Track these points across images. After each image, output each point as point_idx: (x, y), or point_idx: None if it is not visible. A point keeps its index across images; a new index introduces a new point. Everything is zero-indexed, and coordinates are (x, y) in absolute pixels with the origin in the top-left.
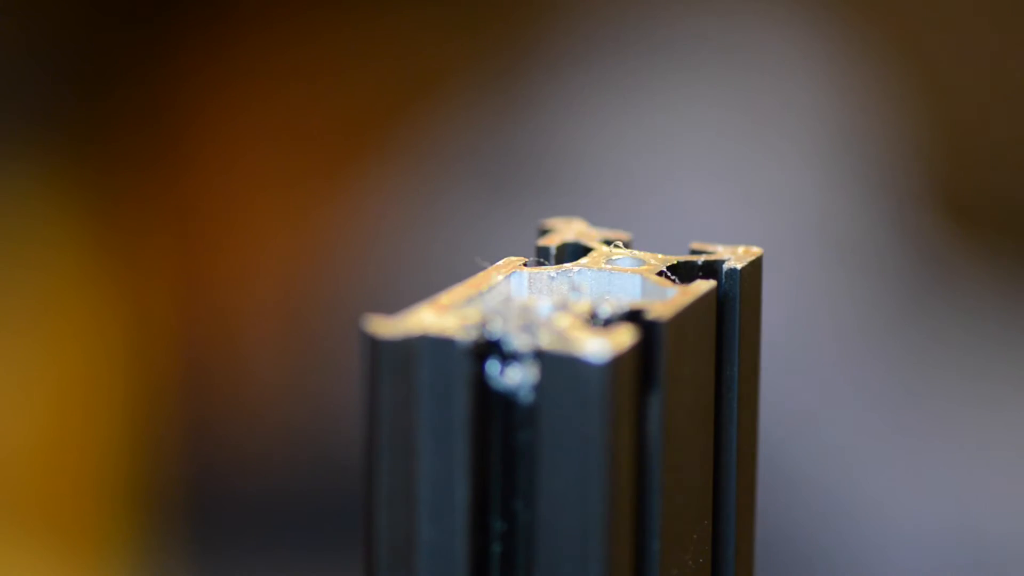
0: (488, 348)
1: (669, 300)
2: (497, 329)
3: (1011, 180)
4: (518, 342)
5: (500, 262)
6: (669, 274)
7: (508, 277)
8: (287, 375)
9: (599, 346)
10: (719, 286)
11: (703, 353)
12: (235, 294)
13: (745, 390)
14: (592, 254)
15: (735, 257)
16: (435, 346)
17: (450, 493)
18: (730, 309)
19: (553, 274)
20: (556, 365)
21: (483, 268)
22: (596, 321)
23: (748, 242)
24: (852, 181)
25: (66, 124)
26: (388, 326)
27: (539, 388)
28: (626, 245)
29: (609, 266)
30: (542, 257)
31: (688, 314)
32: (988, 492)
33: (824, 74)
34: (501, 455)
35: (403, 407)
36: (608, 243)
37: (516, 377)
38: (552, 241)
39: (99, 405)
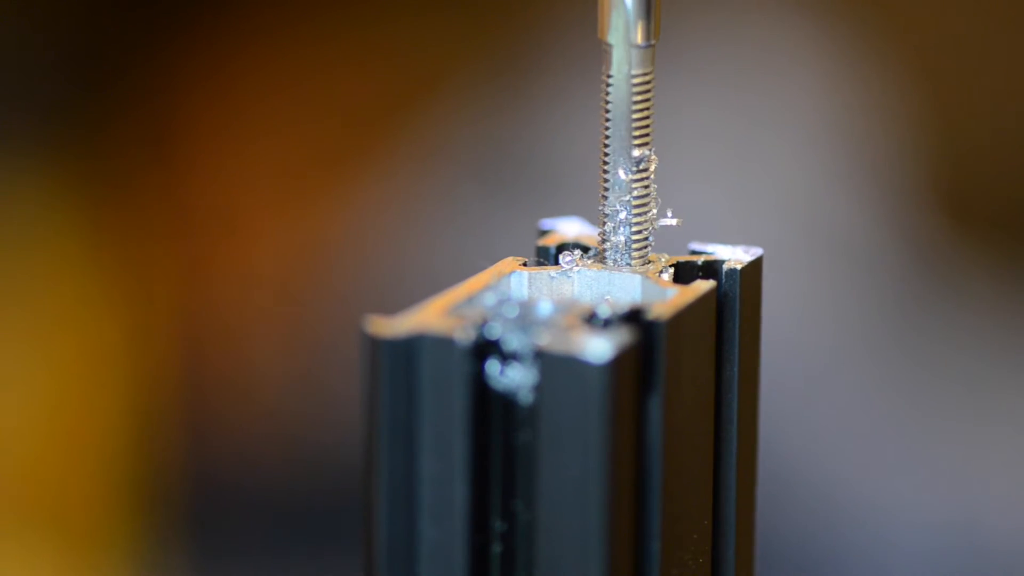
0: (488, 348)
1: (669, 300)
2: (497, 329)
3: (1012, 179)
4: (518, 342)
5: (500, 262)
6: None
7: (508, 277)
8: (288, 374)
9: (599, 346)
10: (719, 286)
11: (703, 353)
12: (235, 294)
13: (745, 390)
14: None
15: (735, 257)
16: (435, 346)
17: (450, 493)
18: (730, 309)
19: (553, 274)
20: (556, 365)
21: (483, 268)
22: (596, 321)
23: (748, 242)
24: (852, 181)
25: (63, 122)
26: (388, 326)
27: (539, 388)
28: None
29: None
30: (542, 257)
31: (688, 314)
32: (990, 492)
33: (824, 74)
34: (501, 455)
35: (403, 407)
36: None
37: (516, 377)
38: (552, 241)
39: (99, 404)
